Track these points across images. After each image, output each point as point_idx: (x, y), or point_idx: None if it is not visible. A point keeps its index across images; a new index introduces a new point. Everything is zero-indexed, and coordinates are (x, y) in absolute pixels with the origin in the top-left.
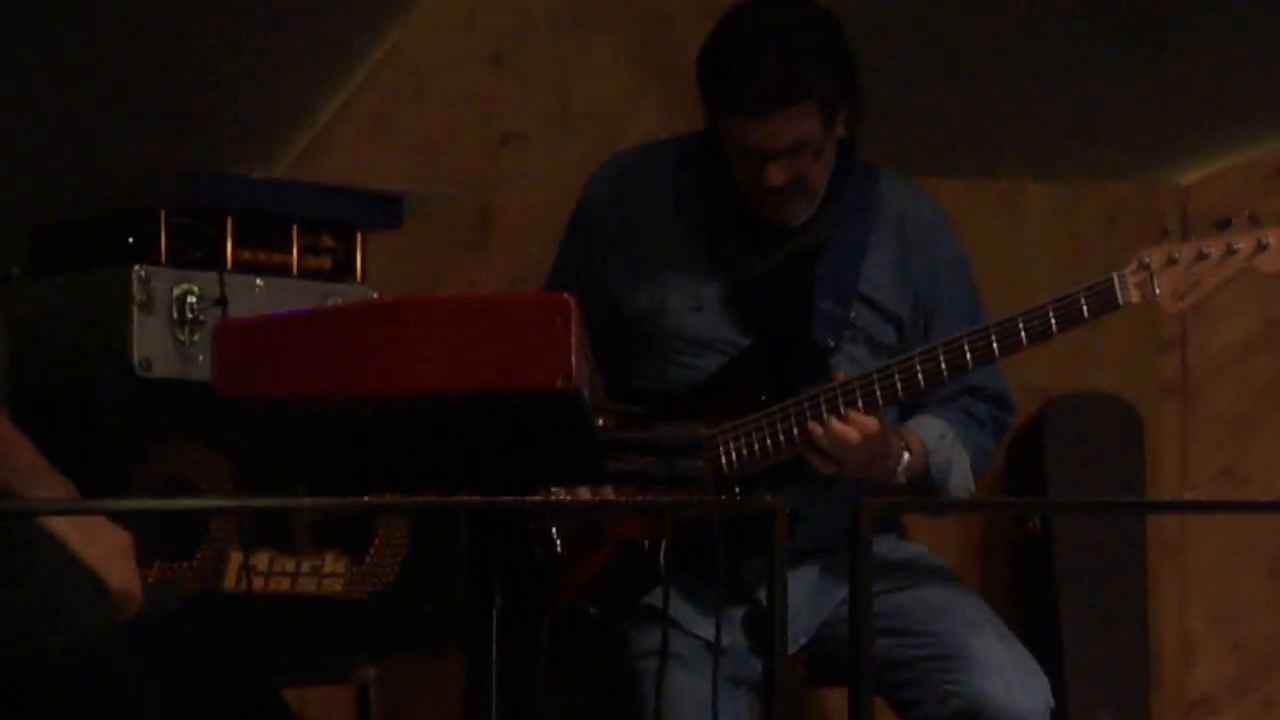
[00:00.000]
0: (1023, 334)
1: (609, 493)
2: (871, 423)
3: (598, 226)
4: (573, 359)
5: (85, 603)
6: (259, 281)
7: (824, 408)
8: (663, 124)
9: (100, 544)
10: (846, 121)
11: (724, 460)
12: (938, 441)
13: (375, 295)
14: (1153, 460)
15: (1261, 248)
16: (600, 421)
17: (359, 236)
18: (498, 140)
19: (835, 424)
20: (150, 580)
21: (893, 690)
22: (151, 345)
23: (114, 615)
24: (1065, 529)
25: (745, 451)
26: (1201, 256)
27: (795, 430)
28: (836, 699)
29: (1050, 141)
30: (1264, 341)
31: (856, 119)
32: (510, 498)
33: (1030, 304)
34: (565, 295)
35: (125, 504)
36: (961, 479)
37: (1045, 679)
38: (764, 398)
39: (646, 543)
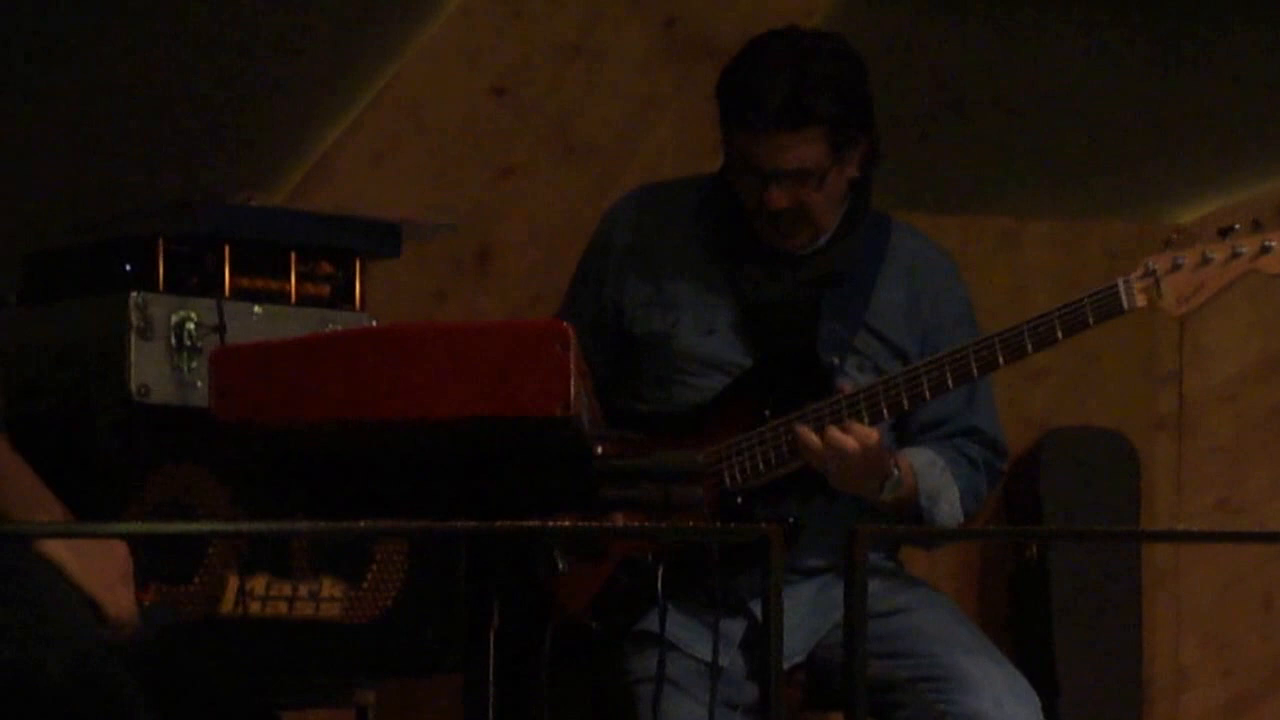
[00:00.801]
0: (1028, 341)
1: (615, 519)
2: (872, 435)
3: (615, 254)
4: (571, 387)
5: (81, 624)
6: (257, 308)
7: (827, 421)
8: (665, 157)
9: (97, 567)
10: (861, 163)
11: (727, 476)
12: (927, 468)
13: (374, 323)
14: (1148, 492)
15: (1265, 250)
16: (599, 449)
17: (358, 264)
18: (499, 171)
19: (833, 432)
20: (146, 604)
21: (887, 712)
22: (149, 372)
23: (110, 636)
24: (1061, 560)
25: (749, 465)
26: (1205, 260)
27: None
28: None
29: (1049, 180)
30: (1260, 374)
31: (871, 162)
32: (507, 523)
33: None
34: (564, 324)
35: (121, 527)
36: (949, 509)
37: (1037, 698)
38: (768, 413)
39: (649, 555)
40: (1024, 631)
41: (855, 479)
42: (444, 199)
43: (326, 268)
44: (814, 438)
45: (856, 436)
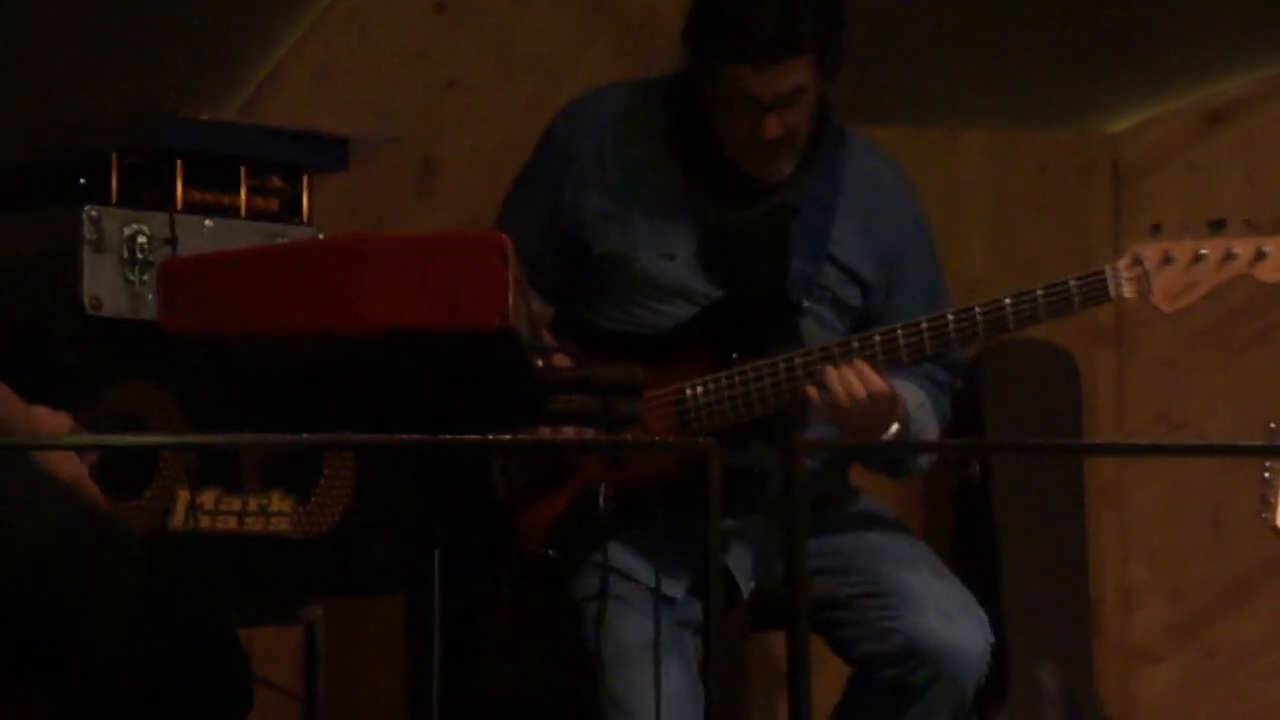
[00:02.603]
0: (1010, 317)
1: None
2: (882, 383)
3: (575, 158)
4: (510, 298)
5: (62, 497)
6: (208, 222)
7: (800, 373)
8: (608, 69)
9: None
10: (831, 76)
11: (693, 418)
12: (918, 410)
13: (321, 236)
14: (1090, 407)
15: (1261, 255)
16: (539, 363)
17: (306, 178)
18: (442, 86)
19: (850, 376)
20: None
21: (832, 629)
22: (101, 284)
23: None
24: (1004, 476)
25: (715, 407)
26: (1198, 258)
27: (772, 391)
28: (780, 641)
29: (981, 90)
30: None
31: (836, 72)
32: (449, 436)
33: (966, 252)
34: (502, 235)
35: (67, 439)
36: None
37: (984, 614)
38: (735, 355)
39: (601, 488)
40: (969, 548)
41: (864, 425)
42: (389, 113)
43: (276, 182)
44: (836, 380)
45: (869, 384)
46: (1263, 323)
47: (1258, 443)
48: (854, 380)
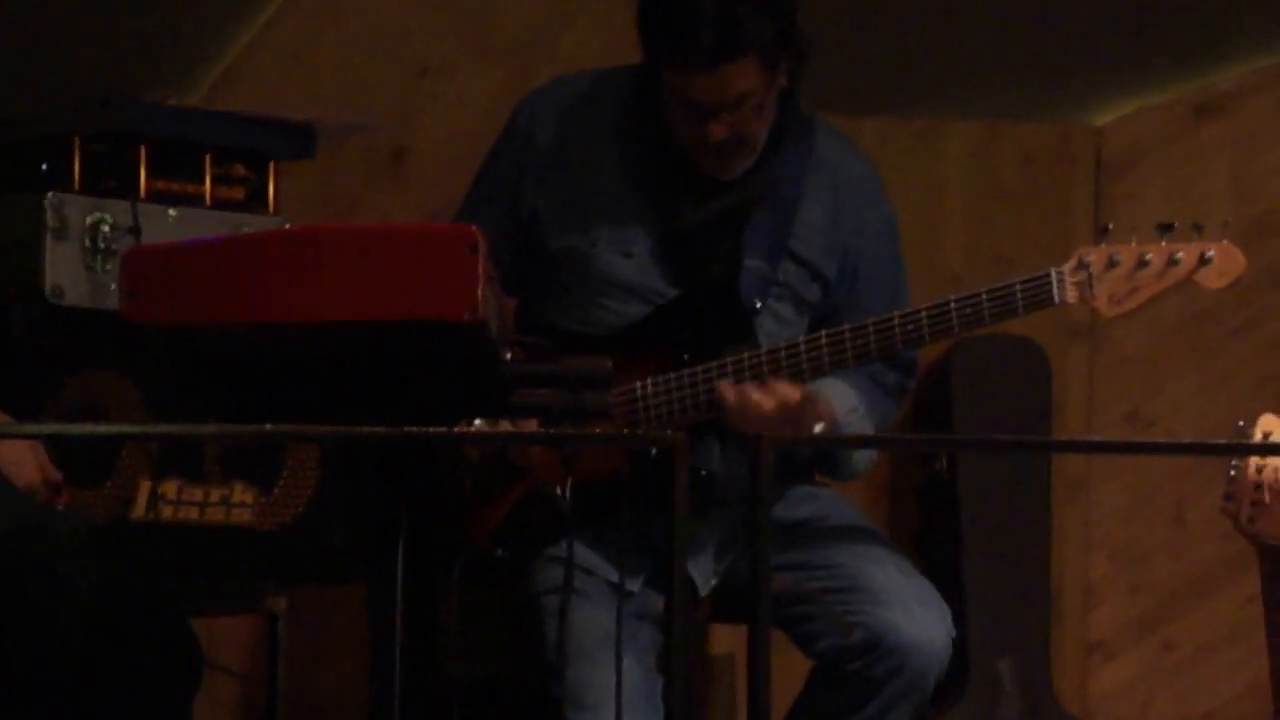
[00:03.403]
0: (955, 320)
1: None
2: (792, 394)
3: (536, 149)
4: (479, 291)
5: (13, 496)
6: (172, 211)
7: (748, 375)
8: (585, 55)
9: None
10: (787, 71)
11: (642, 418)
12: (848, 415)
13: (287, 226)
14: (1059, 403)
15: (1204, 261)
16: (508, 355)
17: (272, 166)
18: (415, 72)
19: (752, 391)
20: (60, 507)
21: (794, 623)
22: (63, 273)
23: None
24: (971, 471)
25: (665, 408)
26: (1143, 264)
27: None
28: (740, 634)
29: (966, 82)
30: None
31: (797, 68)
32: (415, 429)
33: (947, 244)
34: (473, 228)
35: (29, 428)
36: (864, 452)
37: (946, 608)
38: (686, 356)
39: (558, 488)
40: (933, 544)
41: (774, 431)
42: (361, 99)
43: (241, 170)
44: (733, 396)
45: (776, 396)
46: (1234, 322)
47: (1221, 440)
48: (755, 392)
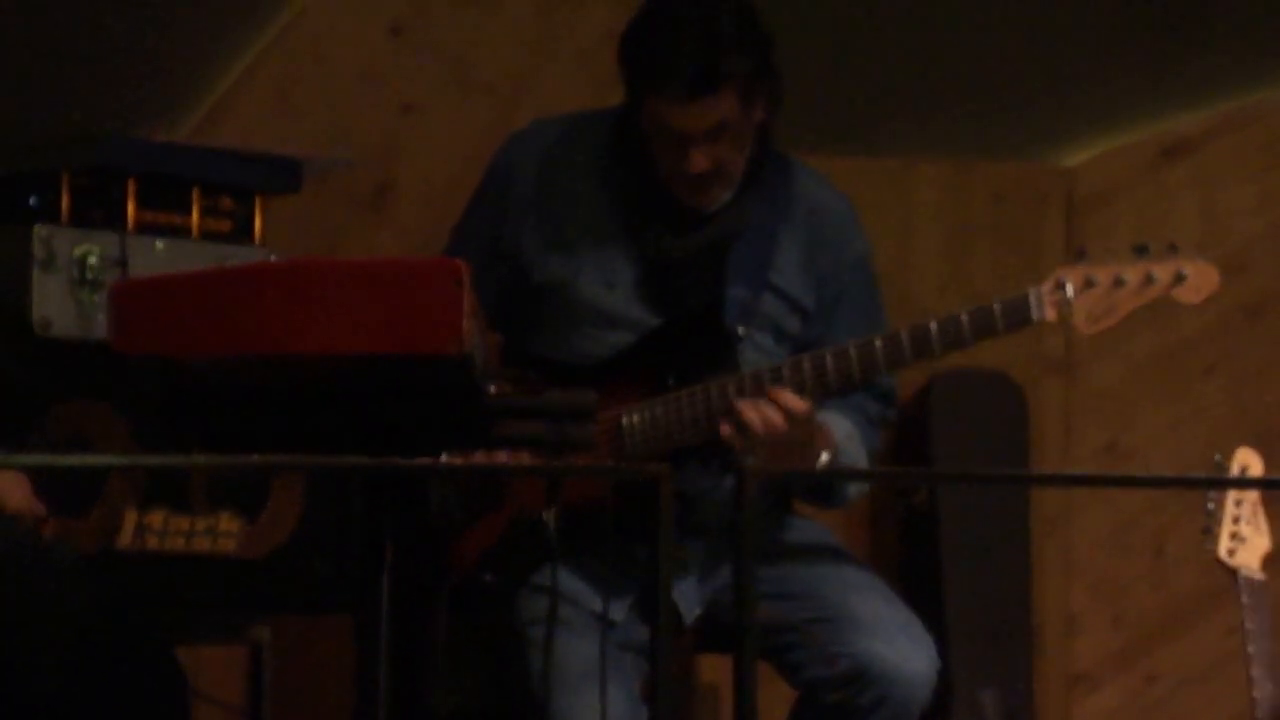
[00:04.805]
0: (936, 341)
1: (503, 458)
2: (799, 404)
3: (517, 190)
4: (464, 324)
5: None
6: (159, 243)
7: (733, 395)
8: (566, 94)
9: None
10: (765, 105)
11: (628, 441)
12: (845, 440)
13: (273, 258)
14: (1037, 436)
15: (1179, 279)
16: (493, 388)
17: (258, 200)
18: (398, 109)
19: (766, 409)
20: (47, 536)
21: (780, 654)
22: (51, 305)
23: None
24: (951, 505)
25: (651, 433)
26: (1119, 283)
27: (705, 417)
28: (725, 664)
29: (938, 122)
30: (1147, 318)
31: (775, 104)
32: (400, 460)
33: (919, 282)
34: (458, 261)
35: (17, 459)
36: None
37: (931, 640)
38: (671, 381)
39: (543, 514)
40: (914, 576)
41: (790, 451)
42: (344, 137)
43: (228, 203)
44: (752, 413)
45: (786, 409)
46: (1210, 356)
47: (1200, 474)
48: (768, 408)
